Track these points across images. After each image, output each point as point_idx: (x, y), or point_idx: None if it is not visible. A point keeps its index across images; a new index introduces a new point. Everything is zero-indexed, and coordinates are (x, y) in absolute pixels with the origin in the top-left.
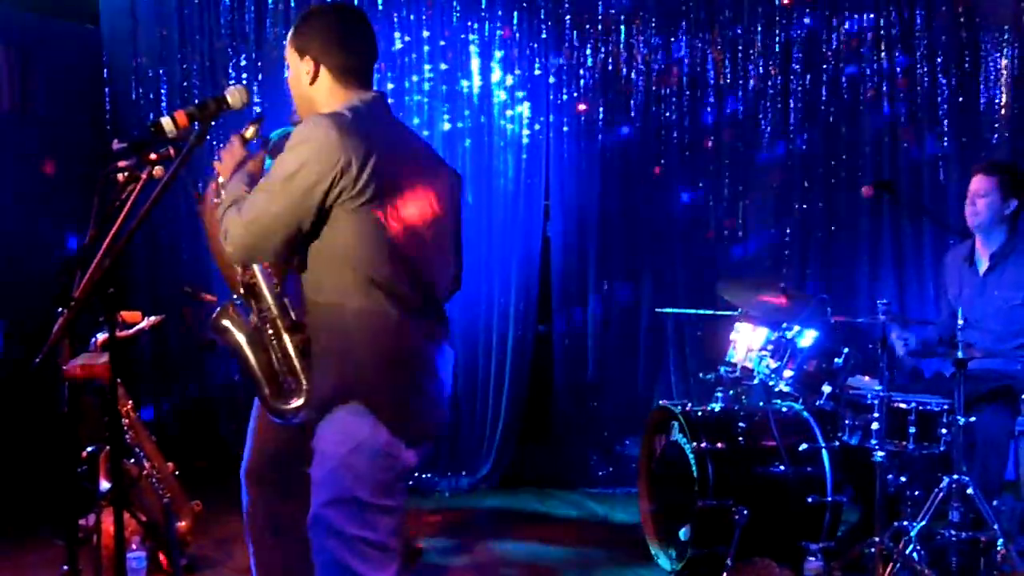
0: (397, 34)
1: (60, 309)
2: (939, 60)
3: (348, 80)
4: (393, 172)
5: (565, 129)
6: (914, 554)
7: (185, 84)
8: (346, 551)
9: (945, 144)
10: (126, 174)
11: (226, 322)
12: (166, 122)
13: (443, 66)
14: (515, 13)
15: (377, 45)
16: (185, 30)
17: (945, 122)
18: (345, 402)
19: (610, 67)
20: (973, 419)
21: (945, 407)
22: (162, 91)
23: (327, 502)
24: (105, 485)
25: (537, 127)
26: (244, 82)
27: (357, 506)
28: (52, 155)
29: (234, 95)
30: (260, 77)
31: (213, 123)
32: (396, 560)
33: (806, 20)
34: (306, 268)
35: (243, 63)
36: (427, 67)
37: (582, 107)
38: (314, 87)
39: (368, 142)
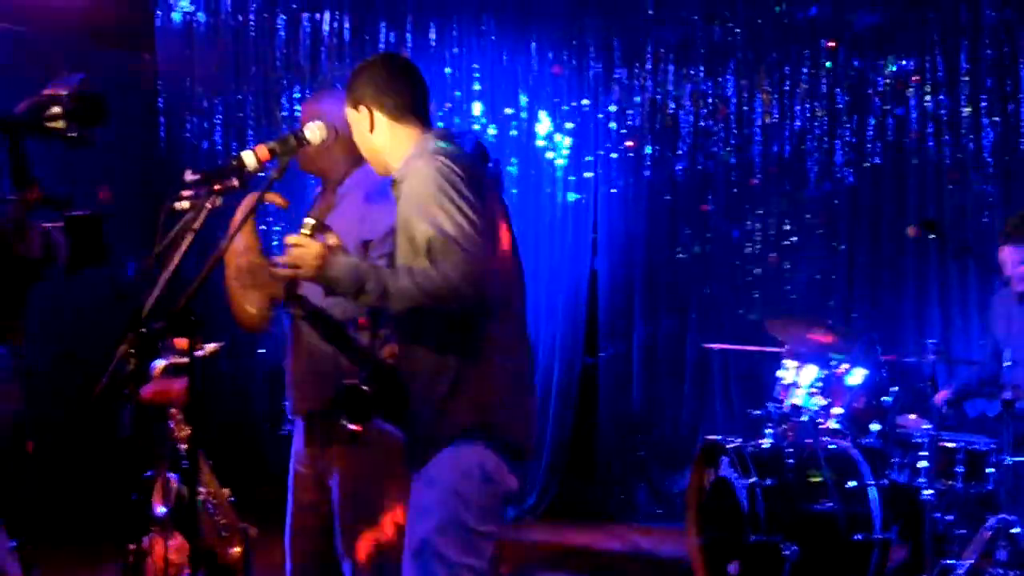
0: (448, 69)
1: (130, 335)
2: (983, 103)
3: (406, 118)
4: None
5: (613, 164)
6: None
7: (240, 115)
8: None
9: (989, 186)
10: (189, 204)
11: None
12: (247, 156)
13: (493, 101)
14: (564, 52)
15: (426, 82)
16: (240, 61)
17: (990, 163)
18: (474, 432)
19: (658, 103)
20: (1021, 459)
21: (992, 447)
22: (216, 121)
23: (436, 528)
24: (160, 510)
25: (589, 159)
26: (297, 114)
27: (465, 532)
28: (107, 183)
29: (314, 132)
30: None
31: (292, 158)
32: None
33: (853, 61)
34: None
35: (296, 95)
36: (477, 104)
37: (630, 143)
38: (375, 135)
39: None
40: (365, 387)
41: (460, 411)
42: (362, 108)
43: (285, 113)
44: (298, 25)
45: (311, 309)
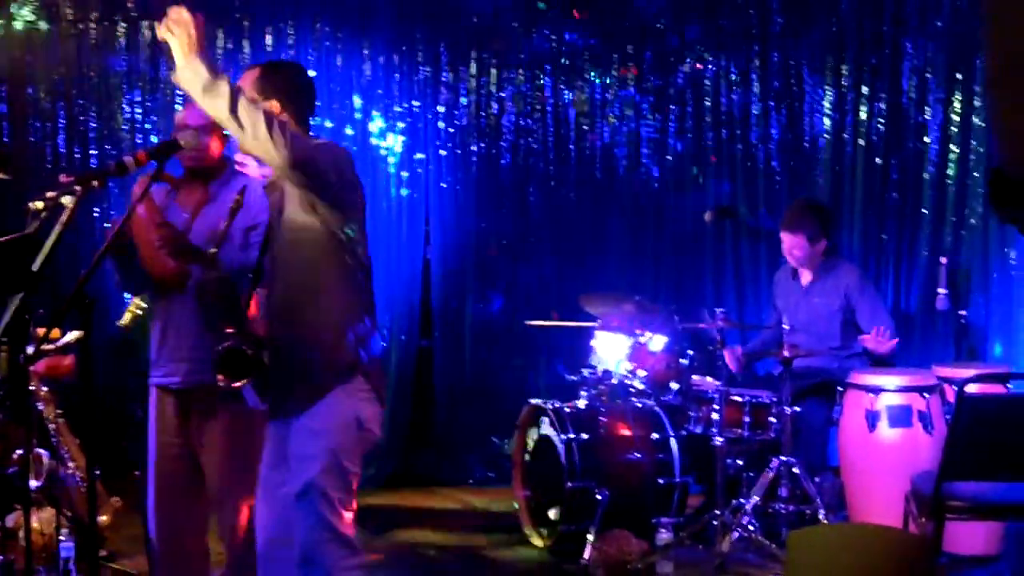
0: None
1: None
2: (771, 101)
3: (299, 124)
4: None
5: (443, 161)
6: (750, 525)
7: (81, 118)
8: (331, 512)
9: (777, 179)
10: (42, 204)
11: None
12: (129, 161)
13: (328, 102)
14: (395, 56)
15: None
16: (82, 67)
17: (776, 154)
18: (353, 373)
19: (482, 104)
20: (798, 409)
21: (774, 400)
22: (59, 125)
23: (321, 471)
24: (33, 483)
25: (420, 156)
26: (139, 116)
27: (343, 472)
28: None
29: (187, 139)
30: (153, 116)
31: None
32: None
33: (656, 64)
34: (310, 270)
35: (137, 99)
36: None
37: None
38: None
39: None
40: (244, 348)
41: (343, 353)
42: (273, 102)
43: (127, 116)
44: (138, 32)
45: (215, 277)
